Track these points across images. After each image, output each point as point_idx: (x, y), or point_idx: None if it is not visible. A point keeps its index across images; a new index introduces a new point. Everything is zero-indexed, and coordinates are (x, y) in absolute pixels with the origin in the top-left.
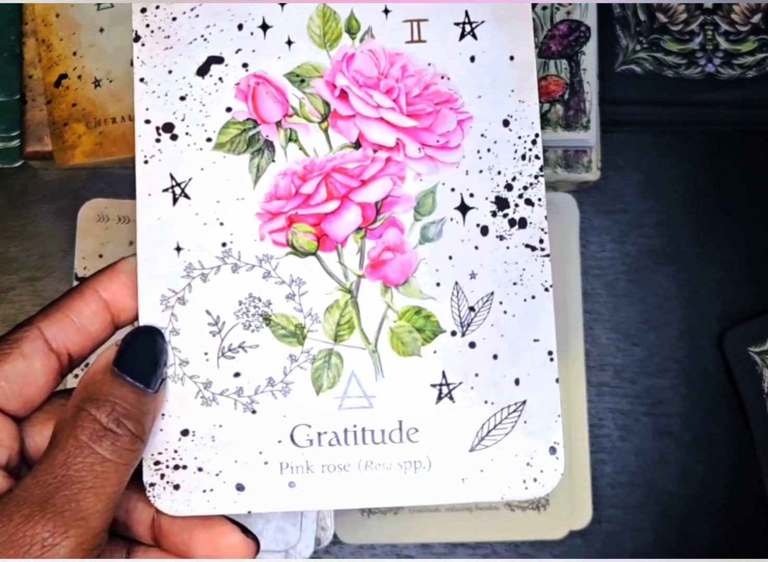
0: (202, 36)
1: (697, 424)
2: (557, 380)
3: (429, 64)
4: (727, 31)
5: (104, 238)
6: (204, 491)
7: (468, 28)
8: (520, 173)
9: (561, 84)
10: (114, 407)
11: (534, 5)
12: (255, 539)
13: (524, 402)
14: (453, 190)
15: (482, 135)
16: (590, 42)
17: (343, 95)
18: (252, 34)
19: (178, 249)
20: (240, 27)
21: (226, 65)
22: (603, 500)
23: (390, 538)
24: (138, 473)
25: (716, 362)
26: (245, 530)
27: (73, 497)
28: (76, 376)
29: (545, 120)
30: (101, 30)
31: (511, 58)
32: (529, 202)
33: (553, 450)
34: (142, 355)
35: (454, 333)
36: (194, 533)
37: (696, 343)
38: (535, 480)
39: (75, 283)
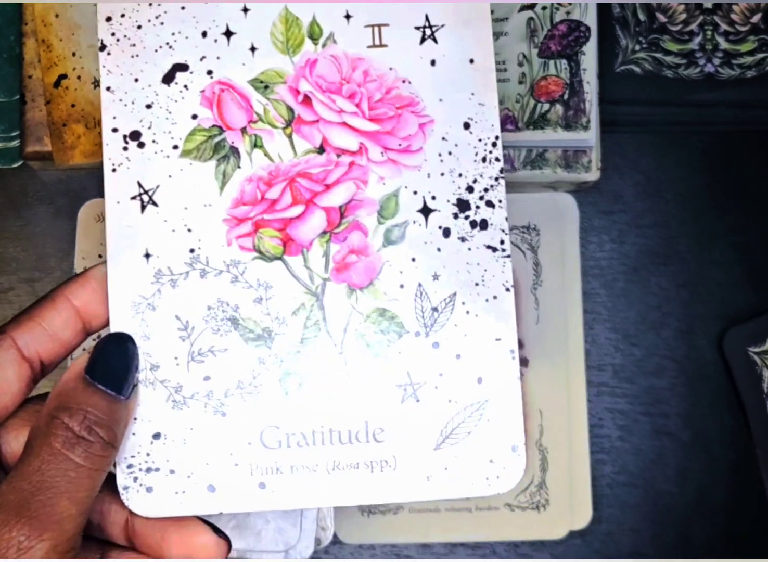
0: (167, 43)
1: (696, 424)
2: (519, 379)
3: (390, 69)
4: (727, 31)
5: (104, 239)
6: (176, 492)
7: (428, 32)
8: (481, 175)
9: (561, 84)
10: (86, 416)
11: (533, 6)
12: (227, 539)
13: (487, 401)
14: (415, 193)
15: (443, 138)
16: (590, 42)
17: (307, 101)
18: (216, 41)
19: (147, 256)
20: (204, 34)
21: (191, 73)
22: (602, 500)
23: (390, 538)
24: (112, 476)
25: (715, 362)
26: (217, 530)
27: (48, 501)
28: None
29: (545, 120)
30: None
31: (471, 61)
32: (489, 204)
33: (514, 448)
34: (113, 362)
35: (418, 334)
36: (167, 534)
37: (695, 343)
38: (497, 477)
39: None
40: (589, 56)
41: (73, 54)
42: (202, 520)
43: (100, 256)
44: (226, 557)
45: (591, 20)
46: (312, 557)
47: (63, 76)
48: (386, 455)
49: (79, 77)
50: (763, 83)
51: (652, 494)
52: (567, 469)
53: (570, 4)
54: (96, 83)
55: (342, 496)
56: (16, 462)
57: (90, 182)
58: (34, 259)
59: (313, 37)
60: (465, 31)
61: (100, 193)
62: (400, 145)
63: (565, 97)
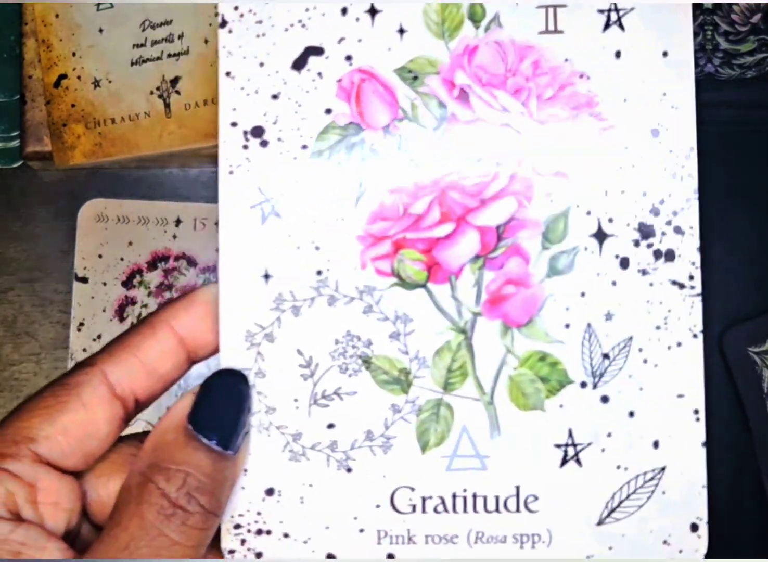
0: (300, 21)
1: None
2: (704, 444)
3: (566, 60)
4: (727, 31)
5: (104, 239)
6: (290, 560)
7: (614, 16)
8: (670, 195)
9: None
10: (186, 479)
11: None
12: None
13: (663, 469)
14: (589, 213)
15: (626, 148)
16: None
17: (463, 96)
18: (358, 20)
19: (267, 277)
20: (344, 11)
21: (327, 58)
22: None
23: None
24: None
25: (716, 362)
26: None
27: None
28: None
29: None
30: (101, 30)
31: (665, 53)
32: (678, 230)
33: (695, 527)
34: (222, 407)
35: (584, 384)
36: None
37: None
38: None
39: (75, 283)
40: None
41: (73, 54)
42: None
43: (100, 256)
44: None
45: None
46: None
47: (63, 76)
48: (539, 529)
49: (79, 77)
50: (763, 83)
51: None
52: None
53: None
54: (96, 83)
55: None
56: (102, 531)
57: (90, 182)
58: (34, 259)
59: (475, 19)
60: (659, 17)
61: (100, 193)
62: None
63: None
